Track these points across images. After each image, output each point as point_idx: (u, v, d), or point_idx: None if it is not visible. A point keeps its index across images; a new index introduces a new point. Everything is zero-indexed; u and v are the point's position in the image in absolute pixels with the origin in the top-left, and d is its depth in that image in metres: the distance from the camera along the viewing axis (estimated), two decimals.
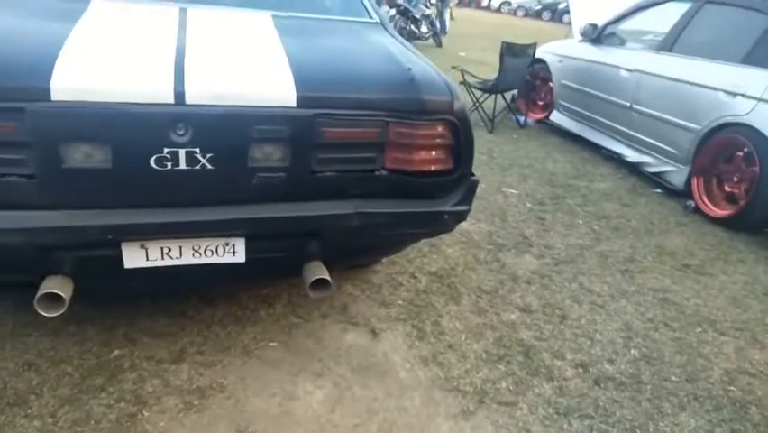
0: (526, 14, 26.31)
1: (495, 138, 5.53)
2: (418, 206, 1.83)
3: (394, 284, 2.71)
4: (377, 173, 1.76)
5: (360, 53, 1.98)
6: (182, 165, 1.53)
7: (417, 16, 12.03)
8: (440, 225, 1.93)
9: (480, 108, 5.81)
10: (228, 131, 1.56)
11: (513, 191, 4.12)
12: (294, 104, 1.61)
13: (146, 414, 1.82)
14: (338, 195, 1.74)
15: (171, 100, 1.50)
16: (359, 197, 1.76)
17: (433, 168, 1.81)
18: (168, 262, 1.69)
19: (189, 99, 1.51)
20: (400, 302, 2.57)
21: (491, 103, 5.79)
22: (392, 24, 11.44)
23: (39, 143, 1.44)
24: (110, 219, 1.54)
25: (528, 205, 3.88)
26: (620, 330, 2.49)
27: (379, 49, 2.02)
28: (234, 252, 1.73)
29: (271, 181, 1.64)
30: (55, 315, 1.60)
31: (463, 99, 1.85)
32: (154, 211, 1.58)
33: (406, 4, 11.76)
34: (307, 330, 2.33)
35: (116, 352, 2.08)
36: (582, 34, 5.54)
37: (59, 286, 1.58)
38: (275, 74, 1.67)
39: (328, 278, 1.79)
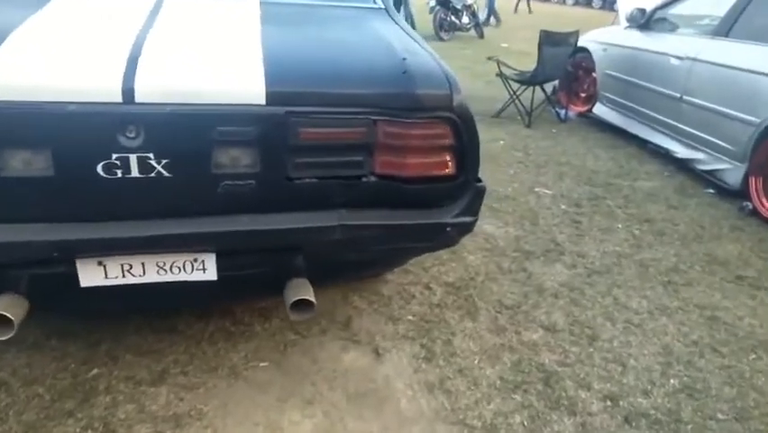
0: (576, 3, 25.35)
1: (532, 133, 5.20)
2: (414, 217, 1.59)
3: (405, 296, 2.49)
4: (364, 180, 1.54)
5: (351, 43, 1.75)
6: (134, 173, 1.35)
7: (458, 7, 11.63)
8: (440, 238, 1.69)
9: (517, 101, 5.48)
10: (185, 133, 1.37)
11: (547, 191, 3.81)
12: (263, 101, 1.40)
13: None
14: (320, 205, 1.53)
15: (119, 98, 1.32)
16: (344, 206, 1.55)
17: (430, 173, 1.57)
18: (130, 280, 1.52)
19: (139, 97, 1.33)
20: (410, 317, 2.34)
21: (530, 95, 5.45)
22: (432, 15, 11.23)
23: None
24: (55, 234, 1.38)
25: (563, 206, 3.56)
26: (658, 355, 2.18)
27: (376, 38, 1.79)
28: (204, 269, 1.54)
29: (240, 190, 1.44)
30: (4, 338, 1.45)
31: (465, 93, 1.59)
32: (106, 225, 1.40)
33: None
34: (304, 348, 2.13)
35: (95, 371, 1.94)
36: (629, 20, 5.12)
37: (7, 307, 1.43)
38: (243, 68, 1.47)
39: (311, 298, 1.58)
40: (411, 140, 1.51)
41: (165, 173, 1.37)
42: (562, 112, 5.71)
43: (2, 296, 1.46)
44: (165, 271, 1.52)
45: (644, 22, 4.96)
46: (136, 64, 1.38)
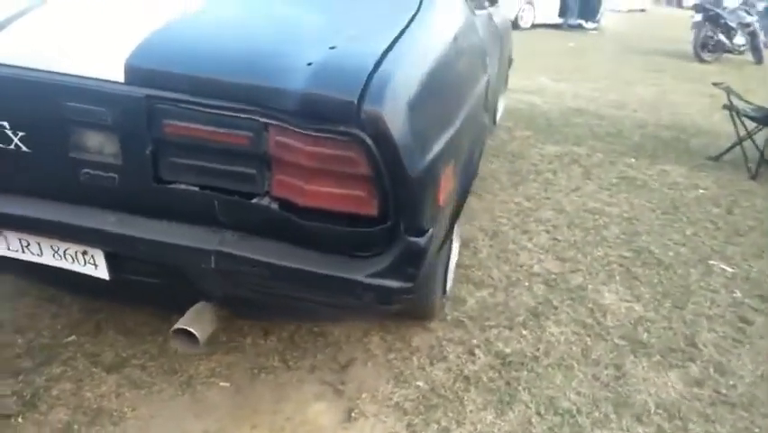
0: None
1: (754, 187, 3.97)
2: (314, 262, 1.16)
3: (436, 354, 2.00)
4: (256, 201, 1.16)
5: (291, 21, 1.36)
6: None
7: (732, 24, 9.71)
8: (349, 301, 1.21)
9: (748, 143, 4.24)
10: (36, 104, 1.18)
11: (726, 268, 2.81)
12: (121, 78, 1.13)
13: (20, 421, 1.59)
14: (200, 220, 1.21)
15: None
16: (231, 228, 1.20)
17: (334, 207, 1.12)
18: (30, 257, 1.40)
19: None
20: (420, 384, 1.86)
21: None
22: (696, 31, 9.57)
23: None
24: None
25: (737, 294, 2.58)
26: None
27: (337, 17, 1.35)
28: (95, 264, 1.35)
29: (104, 183, 1.21)
30: None
31: (403, 104, 1.08)
32: None
33: (718, 10, 9.56)
34: (279, 380, 1.83)
35: (72, 337, 1.92)
36: None
37: None
38: (119, 37, 1.23)
39: (193, 330, 1.27)
40: (304, 158, 1.08)
41: (23, 147, 1.21)
42: None
43: None
44: (60, 256, 1.37)
45: None
46: None
